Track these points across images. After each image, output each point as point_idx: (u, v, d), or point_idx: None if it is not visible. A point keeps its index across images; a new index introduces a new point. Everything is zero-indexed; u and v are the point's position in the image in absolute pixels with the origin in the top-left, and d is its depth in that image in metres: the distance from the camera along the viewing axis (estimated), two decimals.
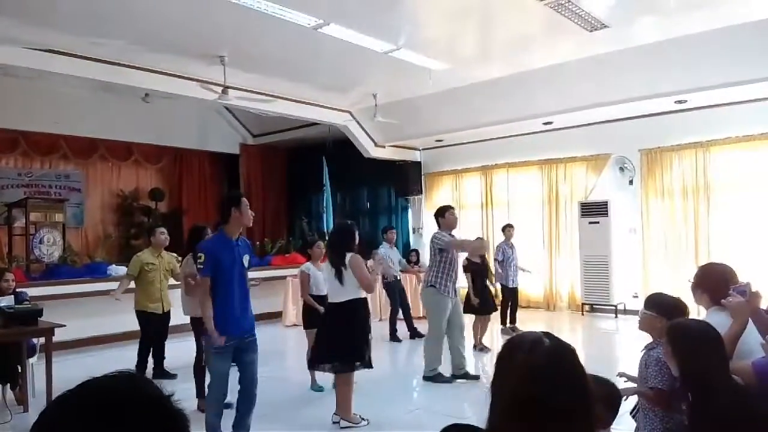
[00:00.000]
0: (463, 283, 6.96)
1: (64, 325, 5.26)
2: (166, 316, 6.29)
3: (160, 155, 11.93)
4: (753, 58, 6.77)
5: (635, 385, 2.65)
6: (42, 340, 5.34)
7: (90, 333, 7.81)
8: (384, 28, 6.53)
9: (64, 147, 10.40)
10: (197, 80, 7.70)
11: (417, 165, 11.92)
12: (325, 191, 12.31)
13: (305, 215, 12.63)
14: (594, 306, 9.61)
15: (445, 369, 5.94)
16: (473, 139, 10.78)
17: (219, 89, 7.53)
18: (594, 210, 9.50)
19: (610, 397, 2.19)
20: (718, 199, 8.53)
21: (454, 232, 6.07)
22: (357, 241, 4.66)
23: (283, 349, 8.19)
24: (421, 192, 11.90)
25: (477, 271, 7.32)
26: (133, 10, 5.81)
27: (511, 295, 8.33)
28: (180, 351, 6.11)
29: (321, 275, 5.53)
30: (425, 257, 9.74)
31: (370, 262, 5.47)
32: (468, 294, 7.24)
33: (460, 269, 6.70)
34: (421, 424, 4.68)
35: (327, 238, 7.56)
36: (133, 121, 10.42)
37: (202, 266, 3.86)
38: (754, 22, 6.40)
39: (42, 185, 10.48)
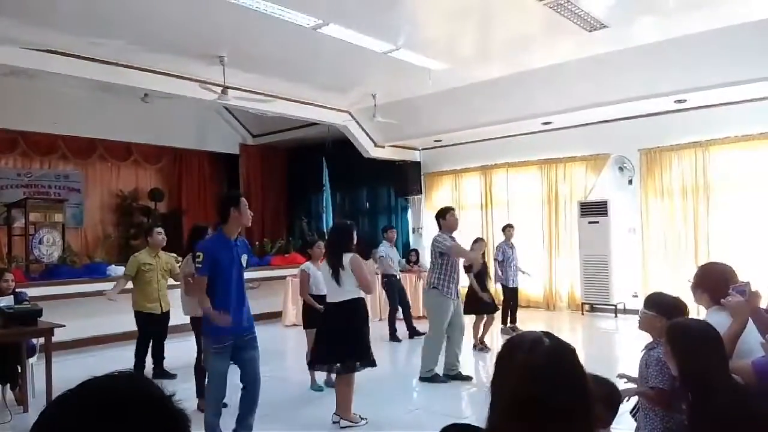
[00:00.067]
0: (464, 283, 6.96)
1: (64, 325, 5.27)
2: (165, 316, 6.29)
3: (160, 155, 11.91)
4: (752, 58, 6.77)
5: (635, 386, 2.65)
6: (42, 340, 5.34)
7: (90, 333, 7.81)
8: (383, 28, 6.53)
9: (63, 147, 10.39)
10: (196, 80, 7.69)
11: (416, 165, 11.91)
12: (324, 191, 12.31)
13: (305, 215, 12.61)
14: (594, 306, 9.61)
15: (439, 369, 5.95)
16: (473, 139, 10.77)
17: (218, 89, 7.52)
18: (593, 210, 9.50)
19: (610, 396, 2.19)
20: (718, 199, 8.54)
21: (454, 234, 6.07)
22: (355, 241, 4.66)
23: (282, 349, 8.18)
24: (420, 192, 11.89)
25: (477, 272, 7.33)
26: (132, 11, 5.81)
27: (511, 295, 8.34)
28: (180, 351, 6.12)
29: (321, 275, 5.52)
30: (425, 257, 9.75)
31: (370, 262, 5.47)
32: (468, 294, 7.23)
33: (461, 270, 6.70)
34: (421, 424, 4.69)
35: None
36: (133, 122, 10.40)
37: (200, 265, 3.87)
38: (754, 22, 6.40)
39: (41, 185, 10.48)
